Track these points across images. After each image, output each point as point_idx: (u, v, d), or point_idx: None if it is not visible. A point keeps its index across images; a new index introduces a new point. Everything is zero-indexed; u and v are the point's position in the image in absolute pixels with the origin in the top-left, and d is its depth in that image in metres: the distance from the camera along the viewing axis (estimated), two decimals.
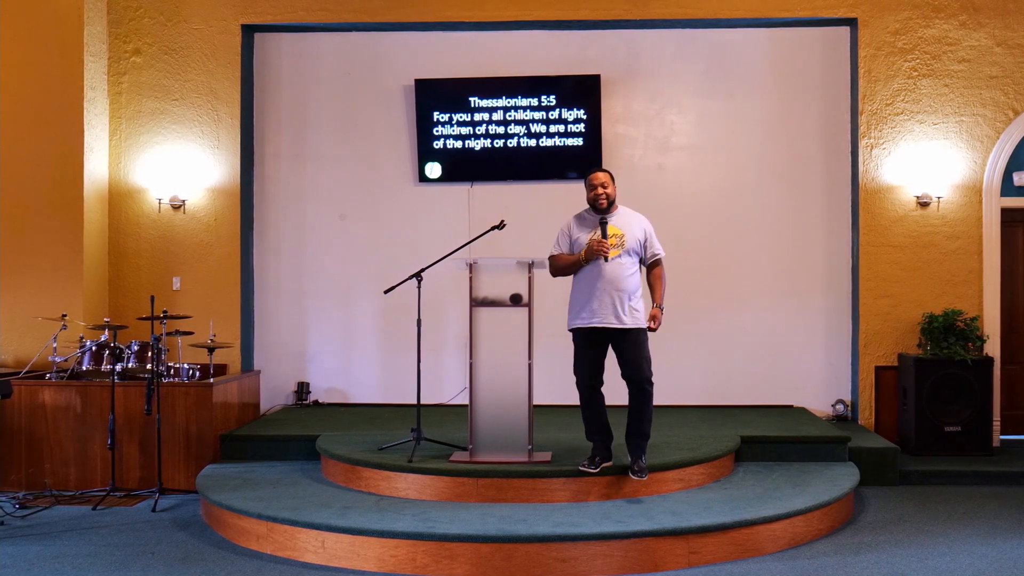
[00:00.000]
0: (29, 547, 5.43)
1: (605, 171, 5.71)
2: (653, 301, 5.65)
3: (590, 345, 5.59)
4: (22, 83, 7.77)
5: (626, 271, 5.53)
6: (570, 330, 5.67)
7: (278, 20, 8.19)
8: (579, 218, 5.75)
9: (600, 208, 5.61)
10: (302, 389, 8.41)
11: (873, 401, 7.96)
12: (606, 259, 5.48)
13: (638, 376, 5.52)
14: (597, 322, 5.51)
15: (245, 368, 8.20)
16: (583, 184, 5.72)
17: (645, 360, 5.55)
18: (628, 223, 5.65)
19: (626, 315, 5.50)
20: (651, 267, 5.73)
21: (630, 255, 5.58)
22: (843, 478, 6.19)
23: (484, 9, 8.09)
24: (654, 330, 5.59)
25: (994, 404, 7.61)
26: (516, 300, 5.82)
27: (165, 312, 7.11)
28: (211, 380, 7.07)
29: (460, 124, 8.26)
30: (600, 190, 5.61)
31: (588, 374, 5.62)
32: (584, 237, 5.61)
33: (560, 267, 5.70)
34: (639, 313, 5.56)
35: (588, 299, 5.53)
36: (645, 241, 5.67)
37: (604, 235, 5.52)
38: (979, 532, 5.66)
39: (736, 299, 8.26)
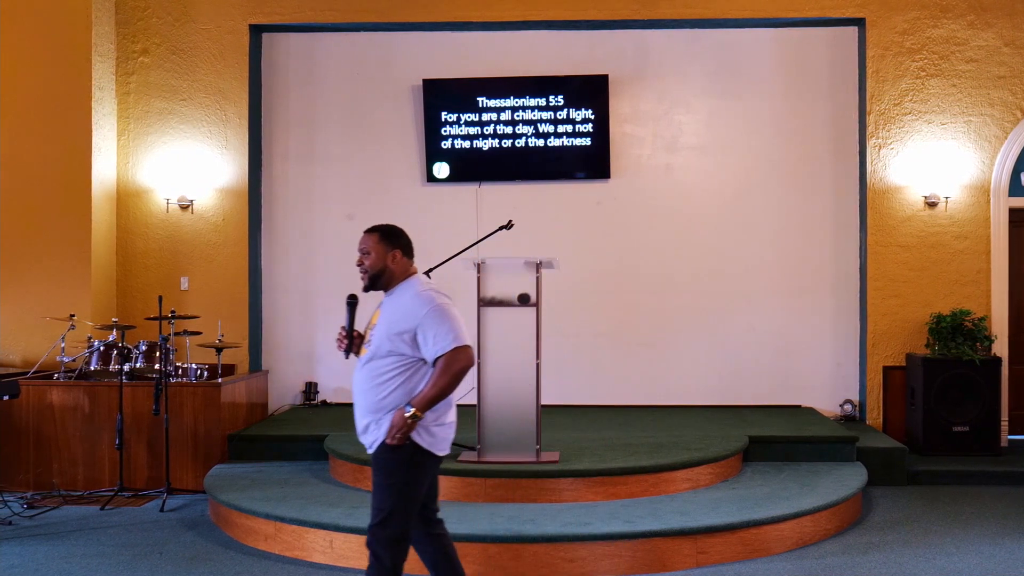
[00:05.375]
0: (37, 547, 5.44)
1: (375, 229, 3.81)
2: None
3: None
4: (30, 83, 7.79)
5: (375, 379, 3.70)
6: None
7: (286, 20, 8.20)
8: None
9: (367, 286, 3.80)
10: (310, 389, 8.41)
11: (881, 401, 7.94)
12: (356, 354, 3.82)
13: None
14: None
15: (253, 368, 8.21)
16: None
17: (378, 507, 3.67)
18: (394, 308, 3.76)
19: (368, 433, 3.74)
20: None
21: (380, 357, 3.70)
22: (851, 478, 6.18)
23: (492, 9, 8.09)
24: (398, 443, 3.63)
25: (1002, 404, 7.60)
26: (524, 300, 5.80)
27: (173, 312, 7.12)
28: (219, 380, 7.08)
29: (468, 124, 8.26)
30: (360, 258, 3.80)
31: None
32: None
33: None
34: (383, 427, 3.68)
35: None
36: (411, 337, 3.68)
37: (348, 322, 3.85)
38: (987, 532, 5.65)
39: (744, 299, 8.25)
